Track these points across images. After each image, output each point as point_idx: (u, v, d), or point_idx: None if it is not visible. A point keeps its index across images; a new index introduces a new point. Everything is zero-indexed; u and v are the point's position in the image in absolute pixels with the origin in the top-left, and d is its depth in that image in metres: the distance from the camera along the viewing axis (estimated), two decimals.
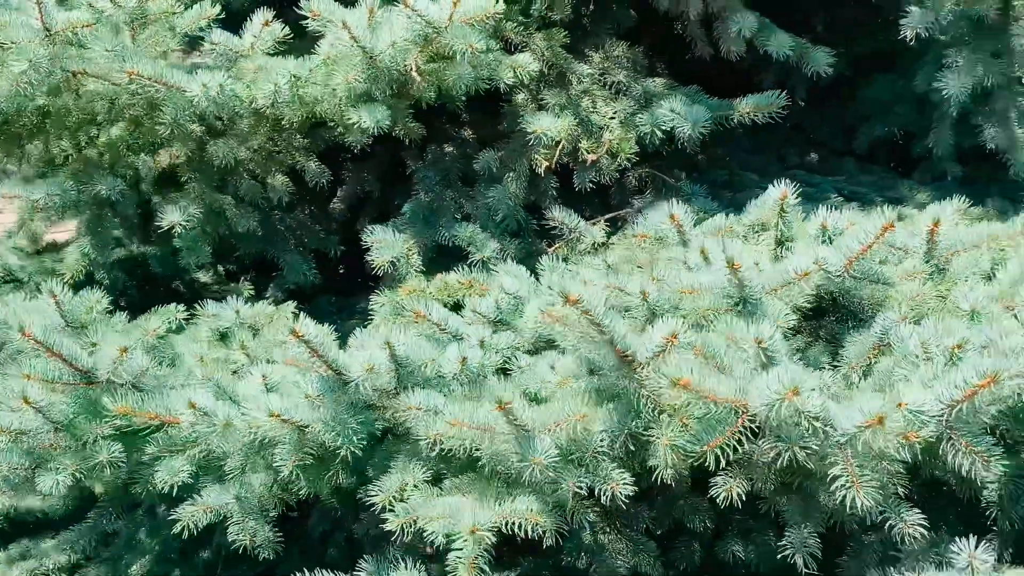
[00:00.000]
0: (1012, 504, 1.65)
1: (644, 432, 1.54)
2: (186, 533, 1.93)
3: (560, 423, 1.50)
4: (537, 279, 2.21)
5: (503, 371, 1.93)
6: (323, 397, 1.68)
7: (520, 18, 2.58)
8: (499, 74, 2.30)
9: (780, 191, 1.94)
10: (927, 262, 1.88)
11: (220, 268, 3.49)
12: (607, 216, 2.67)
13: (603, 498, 1.56)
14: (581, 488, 1.56)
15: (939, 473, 1.67)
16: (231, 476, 1.90)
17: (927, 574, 1.45)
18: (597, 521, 1.98)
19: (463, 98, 2.43)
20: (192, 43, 2.54)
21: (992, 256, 1.90)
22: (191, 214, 2.44)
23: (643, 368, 1.49)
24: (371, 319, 2.30)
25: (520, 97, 2.62)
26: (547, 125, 2.43)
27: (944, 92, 2.38)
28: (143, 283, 3.26)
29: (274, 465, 1.72)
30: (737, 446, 1.42)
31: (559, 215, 2.52)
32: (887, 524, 1.50)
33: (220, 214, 2.57)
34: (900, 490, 1.49)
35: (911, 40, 2.34)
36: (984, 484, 1.64)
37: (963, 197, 2.08)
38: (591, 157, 2.49)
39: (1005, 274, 1.83)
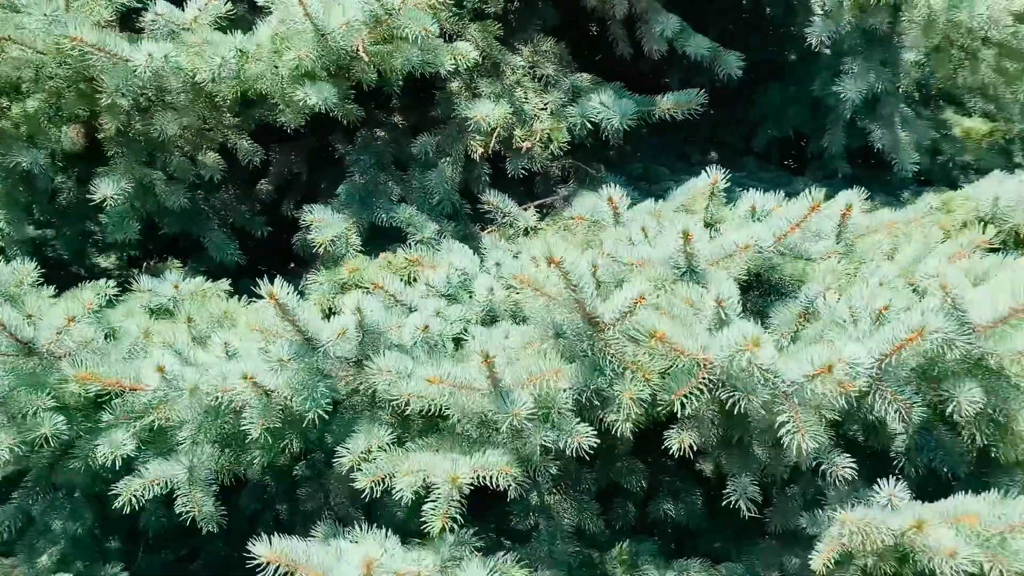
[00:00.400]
0: (917, 453, 1.88)
1: (607, 388, 1.67)
2: (125, 509, 1.91)
3: (534, 379, 1.60)
4: (480, 258, 2.31)
5: (457, 341, 2.02)
6: (292, 361, 1.71)
7: (455, 9, 2.66)
8: (440, 60, 2.37)
9: (712, 177, 2.13)
10: (838, 243, 2.10)
11: (123, 254, 3.39)
12: (535, 203, 2.80)
13: (568, 451, 1.67)
14: (548, 441, 1.67)
15: (856, 428, 1.89)
16: (183, 446, 1.90)
17: (856, 510, 1.64)
18: (544, 483, 2.10)
19: (400, 83, 2.49)
20: (124, 20, 2.48)
21: (892, 239, 2.15)
22: (123, 188, 2.39)
23: (610, 328, 1.62)
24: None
25: (455, 85, 2.71)
26: (486, 112, 2.53)
27: (842, 96, 2.65)
28: (41, 266, 3.13)
29: (240, 429, 1.74)
30: (698, 396, 1.57)
31: (495, 200, 2.62)
32: (820, 469, 1.69)
33: (149, 189, 2.52)
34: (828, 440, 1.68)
35: (816, 46, 2.59)
36: (894, 436, 1.88)
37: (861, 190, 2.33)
38: (526, 144, 2.61)
39: (904, 254, 2.07)
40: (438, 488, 1.63)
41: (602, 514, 2.15)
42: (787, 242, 1.89)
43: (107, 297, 2.30)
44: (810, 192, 1.85)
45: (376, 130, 2.83)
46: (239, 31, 2.21)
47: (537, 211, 2.75)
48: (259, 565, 1.50)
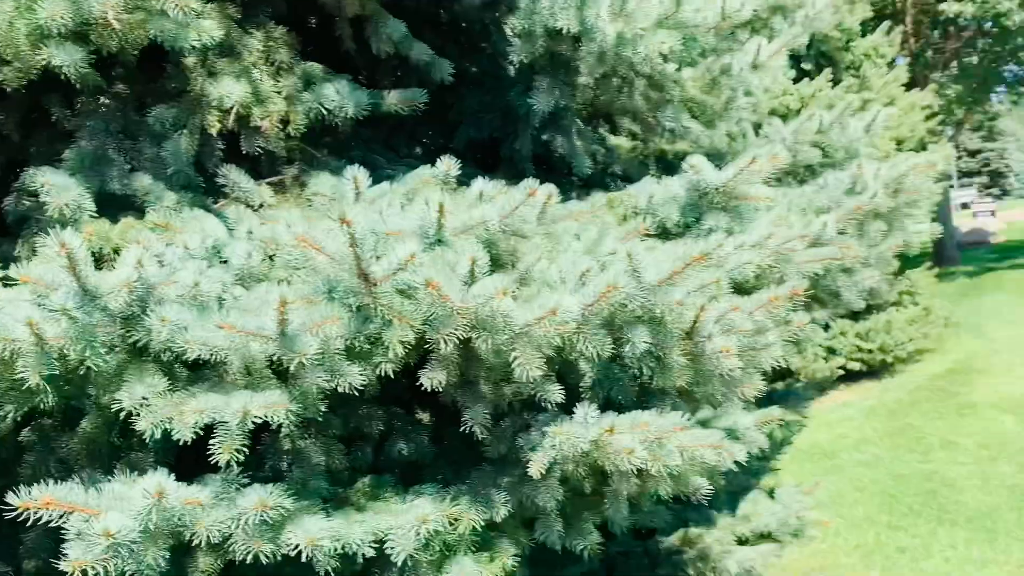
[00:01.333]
0: (599, 387, 2.43)
1: (376, 333, 1.97)
2: None
3: (318, 324, 1.85)
4: (228, 227, 2.47)
5: (220, 302, 2.17)
6: (74, 311, 1.78)
7: None
8: (187, 35, 2.48)
9: (446, 164, 2.51)
10: (539, 226, 2.60)
11: None
12: (265, 180, 2.97)
13: (340, 389, 1.95)
14: (323, 382, 1.93)
15: (558, 366, 2.39)
16: None
17: (563, 425, 2.12)
18: (295, 430, 2.33)
19: (136, 53, 2.54)
20: None
21: (579, 224, 2.71)
22: None
23: (382, 283, 1.93)
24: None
25: (191, 60, 2.79)
26: (228, 90, 2.67)
27: (534, 107, 3.19)
28: None
29: (16, 376, 1.75)
30: (454, 339, 1.94)
31: (233, 175, 2.76)
32: (537, 395, 2.15)
33: None
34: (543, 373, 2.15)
35: (516, 63, 3.10)
36: (584, 374, 2.42)
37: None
38: (264, 124, 2.79)
39: (588, 236, 2.63)
40: (227, 424, 1.81)
41: (346, 455, 2.43)
42: (509, 221, 2.33)
43: None
44: (526, 185, 2.32)
45: (100, 97, 2.80)
46: None
47: (270, 188, 2.93)
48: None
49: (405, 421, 2.63)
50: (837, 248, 3.08)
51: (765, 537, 3.99)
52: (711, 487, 2.53)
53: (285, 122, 2.84)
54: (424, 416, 2.82)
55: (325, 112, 2.88)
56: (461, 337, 1.95)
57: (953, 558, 4.27)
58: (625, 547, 4.01)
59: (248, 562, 1.93)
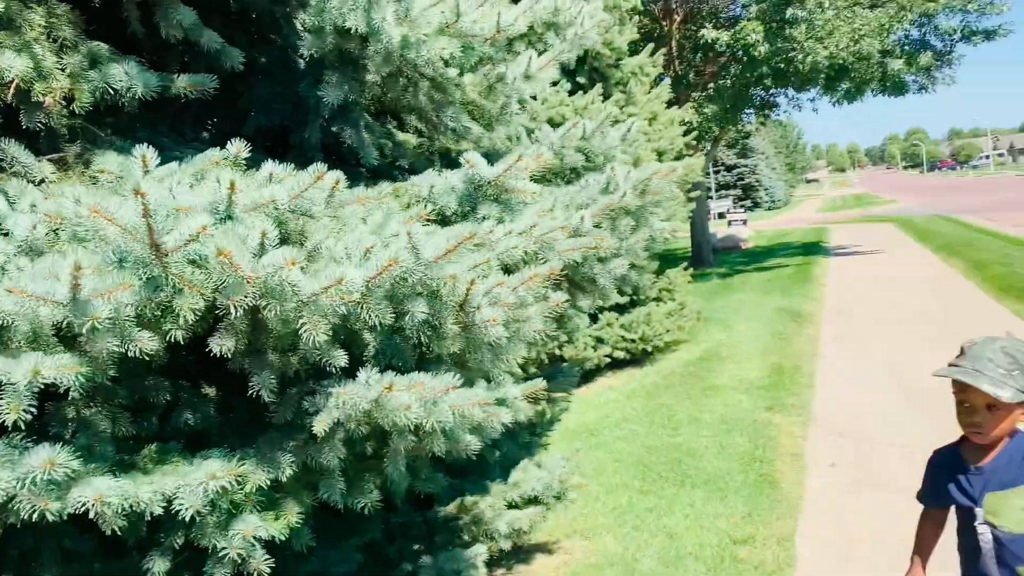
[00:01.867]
0: (382, 355, 2.67)
1: (167, 301, 2.10)
2: None
3: (110, 291, 1.96)
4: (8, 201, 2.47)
5: (2, 270, 2.20)
6: None
7: None
8: None
9: (236, 147, 2.65)
10: (327, 208, 2.81)
11: None
12: (46, 157, 2.94)
13: (131, 353, 2.05)
14: (115, 347, 2.03)
15: (343, 336, 2.60)
16: None
17: (347, 386, 2.35)
18: (79, 399, 2.38)
19: None
20: None
21: (365, 209, 2.94)
22: None
23: (173, 253, 2.06)
24: None
25: None
26: (8, 63, 2.64)
27: (324, 99, 3.37)
28: None
29: None
30: (244, 306, 2.11)
31: (12, 149, 2.72)
32: (324, 361, 2.36)
33: None
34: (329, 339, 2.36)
35: (307, 57, 3.27)
36: (368, 342, 2.65)
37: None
38: (47, 100, 2.77)
39: (374, 219, 2.87)
40: (15, 385, 1.87)
41: (132, 423, 2.51)
42: (298, 202, 2.52)
43: None
44: (315, 168, 2.52)
45: None
46: None
47: (51, 164, 2.91)
48: None
49: (191, 393, 2.74)
50: (593, 239, 3.53)
51: (533, 501, 4.41)
52: (480, 445, 2.85)
53: (69, 100, 2.84)
54: (211, 391, 2.93)
55: (112, 92, 2.91)
56: (250, 305, 2.12)
57: (691, 514, 4.92)
58: (406, 518, 4.29)
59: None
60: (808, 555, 4.34)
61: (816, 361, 9.22)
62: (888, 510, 4.45)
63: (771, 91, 20.81)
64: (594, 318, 9.50)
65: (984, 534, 2.33)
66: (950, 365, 2.37)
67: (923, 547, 2.60)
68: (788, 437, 6.37)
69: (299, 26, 3.77)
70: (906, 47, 18.94)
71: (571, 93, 9.17)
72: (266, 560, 2.44)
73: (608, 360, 9.57)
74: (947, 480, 2.44)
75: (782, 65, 17.56)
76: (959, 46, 19.21)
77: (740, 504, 5.03)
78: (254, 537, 2.40)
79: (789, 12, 16.76)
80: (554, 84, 8.87)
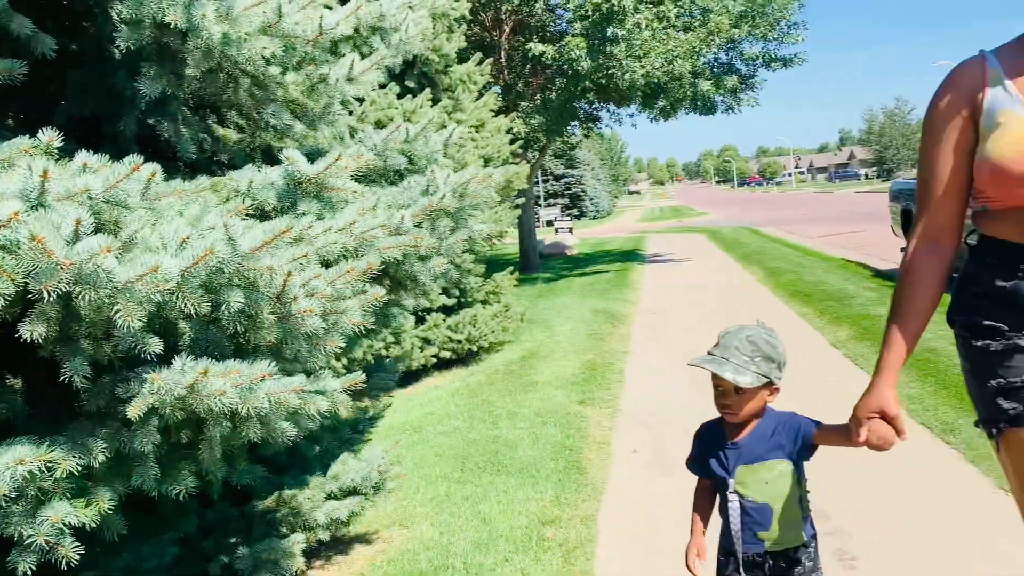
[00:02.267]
0: (198, 344, 2.74)
1: None
2: None
3: None
4: None
5: None
6: None
7: None
8: None
9: (48, 136, 2.63)
10: (143, 200, 2.84)
11: None
12: None
13: None
14: None
15: (159, 326, 2.65)
16: None
17: (161, 372, 2.41)
18: None
19: None
20: None
21: (182, 202, 2.99)
22: None
23: None
24: None
25: None
26: None
27: (141, 91, 3.37)
28: None
29: None
30: (57, 291, 2.14)
31: None
32: (138, 348, 2.41)
33: None
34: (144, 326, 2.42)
35: (124, 48, 3.26)
36: (184, 331, 2.72)
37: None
38: None
39: (191, 212, 2.93)
40: None
41: None
42: (113, 192, 2.55)
43: None
44: (131, 160, 2.56)
45: None
46: None
47: None
48: None
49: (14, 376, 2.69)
50: (413, 238, 3.72)
51: (352, 492, 4.53)
52: (295, 431, 2.96)
53: None
54: (16, 382, 2.88)
55: None
56: (64, 291, 2.16)
57: (504, 500, 5.21)
58: (223, 513, 4.30)
59: None
60: (609, 531, 4.73)
61: (627, 358, 9.87)
62: (679, 488, 4.92)
63: (594, 105, 21.87)
64: (421, 319, 9.70)
65: (733, 502, 2.72)
66: (708, 353, 2.75)
67: (700, 511, 2.97)
68: (597, 427, 6.84)
69: (115, 16, 3.72)
70: (715, 70, 20.48)
71: (400, 96, 9.33)
72: (75, 547, 2.45)
73: (435, 360, 9.78)
74: (708, 453, 2.82)
75: (603, 81, 18.52)
76: (761, 71, 21.02)
77: (549, 489, 5.37)
78: (63, 524, 2.41)
79: (610, 31, 17.70)
80: (383, 87, 9.00)
